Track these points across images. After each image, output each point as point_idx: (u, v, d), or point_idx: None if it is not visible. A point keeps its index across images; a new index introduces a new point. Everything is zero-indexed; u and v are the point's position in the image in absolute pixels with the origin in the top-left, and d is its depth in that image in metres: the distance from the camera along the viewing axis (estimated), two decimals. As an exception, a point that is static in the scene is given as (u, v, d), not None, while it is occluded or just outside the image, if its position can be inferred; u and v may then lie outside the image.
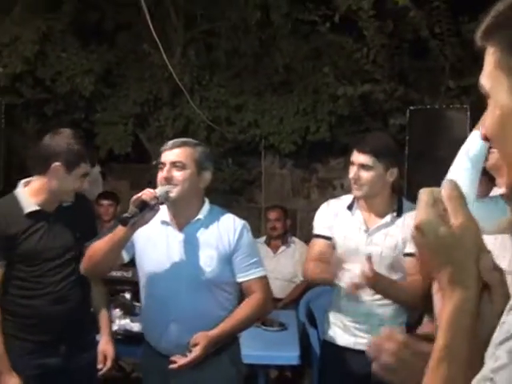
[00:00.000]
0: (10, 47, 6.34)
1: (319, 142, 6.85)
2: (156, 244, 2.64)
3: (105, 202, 5.45)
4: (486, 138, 0.98)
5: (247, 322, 2.69)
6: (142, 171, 7.62)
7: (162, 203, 2.52)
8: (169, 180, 2.55)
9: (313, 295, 4.51)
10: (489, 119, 0.88)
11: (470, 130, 5.40)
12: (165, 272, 2.60)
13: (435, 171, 4.85)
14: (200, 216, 2.65)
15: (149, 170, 7.57)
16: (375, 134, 4.15)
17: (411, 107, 5.38)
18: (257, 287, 2.66)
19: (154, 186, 2.58)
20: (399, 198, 2.99)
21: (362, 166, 2.84)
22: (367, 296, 2.86)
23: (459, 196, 0.90)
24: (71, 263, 2.77)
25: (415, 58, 6.51)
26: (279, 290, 3.85)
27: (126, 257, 2.71)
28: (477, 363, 0.79)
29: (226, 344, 2.67)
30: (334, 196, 3.50)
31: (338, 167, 7.45)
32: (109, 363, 2.95)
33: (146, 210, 2.41)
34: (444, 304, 0.87)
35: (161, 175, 2.59)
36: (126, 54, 7.09)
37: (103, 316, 3.03)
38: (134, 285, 4.08)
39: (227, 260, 2.62)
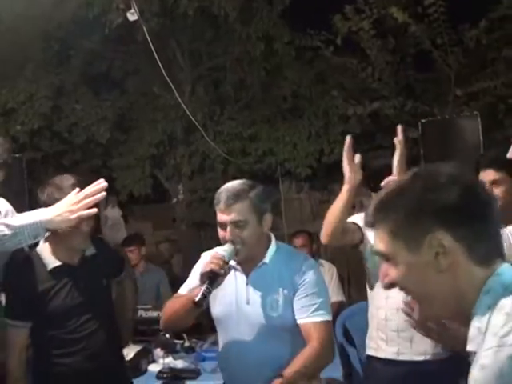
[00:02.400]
0: (27, 105, 6.53)
1: (334, 162, 6.92)
2: (225, 289, 2.50)
3: (129, 249, 5.52)
4: (391, 285, 1.22)
5: (305, 371, 2.42)
6: (164, 210, 7.76)
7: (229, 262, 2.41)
8: (234, 241, 2.40)
9: (348, 314, 4.53)
10: (395, 272, 1.18)
11: (483, 136, 5.43)
12: (234, 317, 2.51)
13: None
14: (266, 260, 2.51)
15: (170, 208, 7.70)
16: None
17: (422, 120, 5.45)
18: (316, 332, 2.42)
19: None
20: None
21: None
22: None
23: None
24: (102, 314, 2.69)
25: (420, 71, 6.63)
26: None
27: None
28: None
29: None
30: (353, 215, 3.51)
31: (355, 185, 7.50)
32: None
33: (218, 281, 2.29)
34: None
35: (222, 234, 2.43)
36: (136, 98, 7.27)
37: None
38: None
39: (292, 300, 2.45)
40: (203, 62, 7.28)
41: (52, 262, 2.59)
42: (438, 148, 5.26)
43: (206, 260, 2.40)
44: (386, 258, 1.18)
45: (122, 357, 2.89)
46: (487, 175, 2.88)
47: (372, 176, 2.90)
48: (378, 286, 2.96)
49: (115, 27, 5.84)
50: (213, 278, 2.26)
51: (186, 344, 3.94)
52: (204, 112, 6.90)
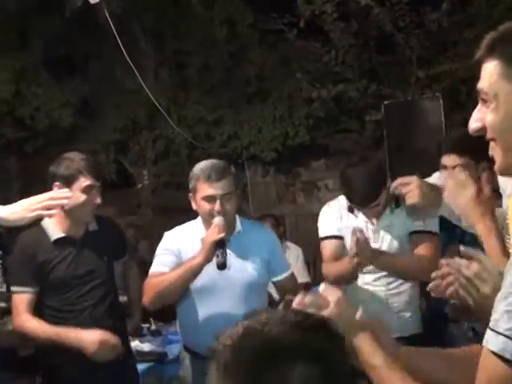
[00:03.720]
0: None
1: (299, 146, 6.96)
2: None
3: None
4: (478, 130, 1.20)
5: None
6: (128, 196, 7.68)
7: None
8: (224, 213, 2.62)
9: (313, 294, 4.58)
10: (492, 117, 1.14)
11: (444, 118, 5.50)
12: (210, 283, 2.68)
13: (415, 160, 4.97)
14: (239, 229, 2.81)
15: (135, 193, 7.65)
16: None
17: (385, 102, 5.50)
18: (290, 283, 2.91)
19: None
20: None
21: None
22: (381, 286, 2.97)
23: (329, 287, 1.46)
24: (103, 287, 2.80)
25: (383, 54, 6.67)
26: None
27: None
28: None
29: None
30: (319, 198, 3.55)
31: (320, 169, 7.56)
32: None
33: (223, 246, 2.56)
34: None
35: (209, 207, 2.64)
36: (99, 83, 7.17)
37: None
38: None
39: (265, 265, 2.81)
40: (166, 46, 7.21)
41: (55, 233, 2.73)
42: (400, 129, 5.32)
43: (177, 237, 2.78)
44: (485, 98, 1.15)
45: (125, 329, 2.98)
46: (450, 160, 2.83)
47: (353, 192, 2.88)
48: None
49: (76, 10, 5.74)
50: (222, 243, 2.53)
51: (153, 327, 3.96)
52: (168, 96, 6.85)
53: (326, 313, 1.26)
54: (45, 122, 6.78)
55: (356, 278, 2.98)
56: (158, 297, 2.66)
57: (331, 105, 6.66)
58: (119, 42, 4.74)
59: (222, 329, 2.64)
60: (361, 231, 2.77)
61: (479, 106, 1.18)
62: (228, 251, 2.60)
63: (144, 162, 7.48)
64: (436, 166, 3.01)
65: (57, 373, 2.79)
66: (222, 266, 2.52)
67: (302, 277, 5.37)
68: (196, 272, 2.57)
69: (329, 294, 1.34)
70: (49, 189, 2.70)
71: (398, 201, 2.95)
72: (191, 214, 3.01)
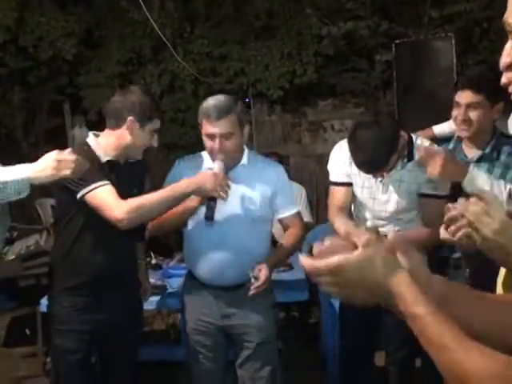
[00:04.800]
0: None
1: (306, 84, 6.84)
2: None
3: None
4: (510, 65, 1.09)
5: (293, 250, 3.00)
6: (133, 131, 7.63)
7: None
8: (222, 151, 2.70)
9: (314, 235, 4.58)
10: None
11: (456, 58, 5.40)
12: (217, 215, 2.73)
13: (425, 101, 4.87)
14: (244, 162, 2.86)
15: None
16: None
17: (396, 41, 5.36)
18: (295, 221, 2.95)
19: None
20: (410, 142, 2.88)
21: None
22: (373, 220, 2.94)
23: (352, 226, 1.10)
24: None
25: (396, -9, 6.47)
26: (280, 233, 3.90)
27: None
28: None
29: None
30: (324, 138, 3.50)
31: (326, 109, 7.45)
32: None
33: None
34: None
35: (211, 144, 2.72)
36: (104, 13, 7.01)
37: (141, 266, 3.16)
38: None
39: (268, 200, 2.86)
40: (173, -24, 7.01)
41: (105, 155, 2.70)
42: (411, 69, 5.20)
43: (185, 166, 2.88)
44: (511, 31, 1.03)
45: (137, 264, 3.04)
46: (464, 97, 2.74)
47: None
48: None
49: None
50: (215, 200, 2.62)
51: (153, 261, 3.96)
52: (173, 29, 6.70)
53: (353, 257, 1.03)
54: (48, 52, 6.65)
55: None
56: (157, 225, 2.80)
57: (341, 43, 6.50)
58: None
59: (224, 260, 2.71)
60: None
61: (509, 42, 1.09)
62: (230, 184, 2.67)
63: (149, 97, 7.38)
64: (445, 108, 2.93)
65: (59, 301, 2.79)
66: (209, 218, 2.62)
67: (305, 217, 5.36)
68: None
69: (354, 234, 1.06)
70: (120, 122, 2.67)
71: (410, 155, 2.85)
72: (195, 151, 3.01)
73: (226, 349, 3.04)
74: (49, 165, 2.36)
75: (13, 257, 4.69)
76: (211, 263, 2.84)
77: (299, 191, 5.49)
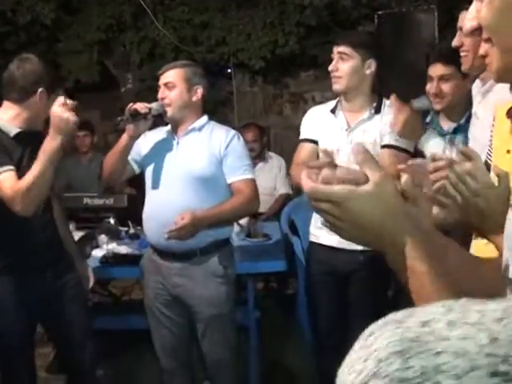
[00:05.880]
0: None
1: (288, 55, 6.78)
2: (158, 151, 3.00)
3: (80, 134, 5.38)
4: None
5: (234, 212, 2.97)
6: (112, 99, 7.52)
7: (156, 116, 2.93)
8: (163, 99, 2.93)
9: (293, 206, 4.59)
10: (487, 11, 0.94)
11: (438, 31, 5.41)
12: (161, 173, 2.93)
13: (406, 73, 4.86)
14: (195, 125, 2.98)
15: (119, 97, 7.49)
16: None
17: (379, 12, 5.33)
18: (245, 187, 2.95)
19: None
20: (380, 97, 3.03)
21: (341, 58, 2.89)
22: None
23: (369, 157, 0.96)
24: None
25: (379, -38, 6.39)
26: (260, 204, 3.92)
27: (136, 168, 3.08)
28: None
29: (218, 245, 2.96)
30: (305, 110, 3.51)
31: (308, 80, 7.42)
32: (91, 281, 3.11)
33: (138, 117, 2.82)
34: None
35: (158, 96, 2.96)
36: (84, -23, 6.86)
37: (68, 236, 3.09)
38: (116, 211, 4.14)
39: (219, 162, 2.92)
40: None
41: (12, 129, 2.67)
42: (393, 41, 5.18)
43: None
44: None
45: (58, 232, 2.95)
46: (436, 70, 2.81)
47: None
48: None
49: None
50: (133, 115, 2.81)
51: (131, 231, 3.95)
52: (154, -5, 6.59)
53: (360, 191, 0.93)
54: (26, 17, 6.51)
55: None
56: (105, 172, 3.06)
57: (323, 13, 6.44)
58: None
59: (171, 220, 2.72)
60: (325, 150, 2.73)
61: (474, 2, 1.05)
62: (176, 143, 2.96)
63: (128, 65, 7.28)
64: (426, 80, 2.95)
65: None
66: (115, 123, 2.89)
67: (284, 188, 5.37)
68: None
69: (369, 167, 0.95)
70: (29, 93, 2.64)
71: (378, 109, 2.95)
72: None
73: (188, 319, 3.05)
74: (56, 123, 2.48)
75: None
76: (158, 226, 2.87)
77: (278, 162, 5.49)
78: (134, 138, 2.89)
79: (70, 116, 2.50)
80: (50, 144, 2.52)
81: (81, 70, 6.91)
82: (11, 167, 2.56)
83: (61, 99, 2.52)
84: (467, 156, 1.31)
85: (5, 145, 2.63)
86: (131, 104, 2.86)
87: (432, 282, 0.93)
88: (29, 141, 2.69)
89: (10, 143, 2.65)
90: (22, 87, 2.66)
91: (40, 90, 2.65)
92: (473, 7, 1.02)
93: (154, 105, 2.90)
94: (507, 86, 1.75)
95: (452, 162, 1.32)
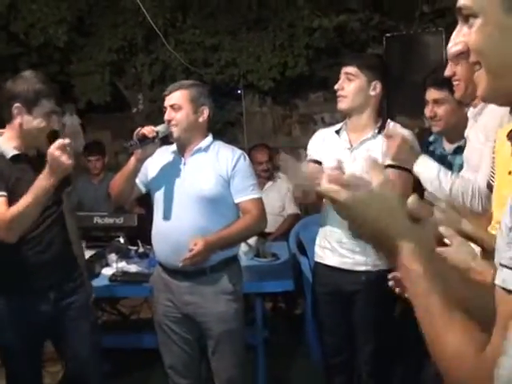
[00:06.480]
0: (-20, 3, 6.22)
1: (298, 76, 6.84)
2: (165, 172, 3.01)
3: (92, 158, 5.47)
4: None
5: (243, 233, 3.04)
6: (123, 120, 7.61)
7: (163, 139, 2.93)
8: (170, 121, 2.93)
9: (301, 227, 4.62)
10: (477, 36, 0.97)
11: (446, 53, 5.45)
12: (170, 193, 2.95)
13: (414, 95, 4.89)
14: (201, 145, 3.00)
15: (130, 118, 7.57)
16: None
17: (387, 34, 5.38)
18: (252, 207, 2.98)
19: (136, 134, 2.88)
20: (384, 118, 3.08)
21: (348, 78, 2.94)
22: None
23: (377, 164, 1.04)
24: (52, 208, 2.75)
25: (388, -15, 6.48)
26: (269, 224, 3.95)
27: (142, 188, 3.10)
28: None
29: (227, 262, 2.99)
30: (315, 131, 3.55)
31: (317, 101, 7.47)
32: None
33: (146, 141, 2.83)
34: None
35: (165, 116, 2.96)
36: (96, 0, 6.97)
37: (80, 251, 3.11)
38: (126, 230, 4.17)
39: (226, 183, 2.95)
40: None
41: (9, 151, 2.64)
42: (401, 63, 5.23)
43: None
44: (467, 15, 1.00)
45: (72, 249, 2.96)
46: (430, 94, 2.90)
47: None
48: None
49: None
50: (141, 139, 2.83)
51: (140, 250, 3.98)
52: (165, 18, 6.68)
53: (362, 194, 0.99)
54: (39, 39, 6.62)
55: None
56: (113, 191, 3.09)
57: (332, 35, 6.50)
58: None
59: (181, 240, 2.76)
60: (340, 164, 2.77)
61: (459, 28, 1.06)
62: (183, 164, 2.98)
63: (139, 86, 7.37)
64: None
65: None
66: (126, 147, 2.85)
67: (293, 208, 5.39)
68: (128, 167, 2.88)
69: (373, 170, 1.02)
70: (10, 112, 2.61)
71: (381, 129, 3.00)
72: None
73: (198, 336, 3.08)
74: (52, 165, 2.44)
75: None
76: (168, 245, 2.92)
77: (287, 183, 5.51)
78: (141, 161, 2.91)
79: (66, 160, 2.44)
80: (42, 182, 2.49)
81: (93, 91, 7.00)
82: (2, 193, 2.56)
83: (60, 141, 2.46)
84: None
85: (5, 162, 2.63)
86: (139, 129, 2.86)
87: (429, 280, 0.96)
88: (29, 163, 2.68)
89: (7, 165, 2.63)
90: (1, 105, 2.65)
91: (15, 105, 2.59)
92: (456, 32, 1.04)
93: (160, 127, 2.91)
94: (497, 108, 1.78)
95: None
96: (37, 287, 2.73)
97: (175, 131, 2.94)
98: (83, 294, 2.94)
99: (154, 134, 2.85)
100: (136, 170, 2.94)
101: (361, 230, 1.03)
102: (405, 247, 0.99)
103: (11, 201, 2.57)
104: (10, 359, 2.81)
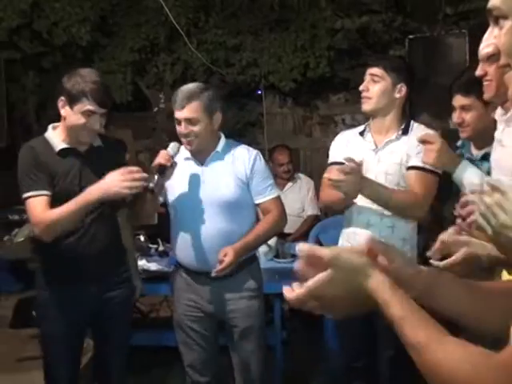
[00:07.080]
0: (4, 1, 6.27)
1: (319, 78, 6.82)
2: (181, 179, 2.97)
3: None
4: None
5: (267, 235, 3.07)
6: (144, 119, 7.64)
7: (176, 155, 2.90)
8: (187, 135, 2.88)
9: (321, 228, 4.61)
10: (507, 37, 0.99)
11: (470, 55, 5.41)
12: (189, 201, 2.94)
13: (436, 97, 4.87)
14: (218, 149, 2.98)
15: (151, 117, 7.60)
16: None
17: (410, 36, 5.35)
18: (273, 206, 3.01)
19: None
20: (409, 120, 3.07)
21: (373, 79, 2.93)
22: (376, 219, 2.97)
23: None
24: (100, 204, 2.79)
25: (412, -14, 6.43)
26: (288, 225, 3.95)
27: (160, 199, 3.05)
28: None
29: (247, 261, 3.01)
30: (335, 133, 3.55)
31: (338, 103, 7.45)
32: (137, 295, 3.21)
33: (166, 171, 2.80)
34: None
35: (179, 129, 2.89)
36: (119, 0, 7.01)
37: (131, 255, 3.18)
38: (147, 229, 4.20)
39: (245, 185, 2.96)
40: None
41: (58, 144, 2.76)
42: (424, 65, 5.19)
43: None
44: (498, 17, 1.02)
45: (119, 246, 3.02)
46: (457, 100, 2.86)
47: None
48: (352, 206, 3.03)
49: None
50: (162, 170, 2.78)
51: (161, 248, 4.01)
52: (188, 18, 6.69)
53: (324, 278, 1.08)
54: (62, 38, 6.67)
55: (347, 206, 3.03)
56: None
57: (355, 37, 6.48)
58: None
59: (206, 247, 2.82)
60: (352, 160, 2.76)
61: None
62: (201, 171, 2.95)
63: (161, 86, 7.39)
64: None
65: (60, 285, 2.83)
66: (150, 188, 2.74)
67: (313, 209, 5.39)
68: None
69: (318, 255, 1.11)
70: (56, 100, 2.75)
71: (405, 130, 2.98)
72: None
73: (216, 334, 3.11)
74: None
75: (22, 239, 4.73)
76: (192, 250, 2.94)
77: (307, 184, 5.52)
78: (163, 186, 2.92)
79: (123, 189, 2.56)
80: (88, 197, 2.61)
81: (115, 90, 7.03)
82: (45, 192, 2.66)
83: (127, 169, 2.59)
84: (496, 189, 1.30)
85: (46, 161, 2.72)
86: (155, 163, 2.82)
87: (407, 324, 1.01)
88: (77, 157, 2.77)
89: (54, 159, 2.74)
90: (56, 97, 2.78)
91: (60, 98, 2.72)
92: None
93: (170, 149, 2.87)
94: None
95: (482, 193, 1.33)
96: (81, 279, 2.81)
97: (195, 144, 2.91)
98: (126, 289, 3.00)
99: (170, 158, 2.83)
100: (158, 195, 2.94)
101: (339, 306, 1.13)
102: (379, 296, 1.05)
103: (55, 195, 2.67)
104: (52, 348, 2.87)
